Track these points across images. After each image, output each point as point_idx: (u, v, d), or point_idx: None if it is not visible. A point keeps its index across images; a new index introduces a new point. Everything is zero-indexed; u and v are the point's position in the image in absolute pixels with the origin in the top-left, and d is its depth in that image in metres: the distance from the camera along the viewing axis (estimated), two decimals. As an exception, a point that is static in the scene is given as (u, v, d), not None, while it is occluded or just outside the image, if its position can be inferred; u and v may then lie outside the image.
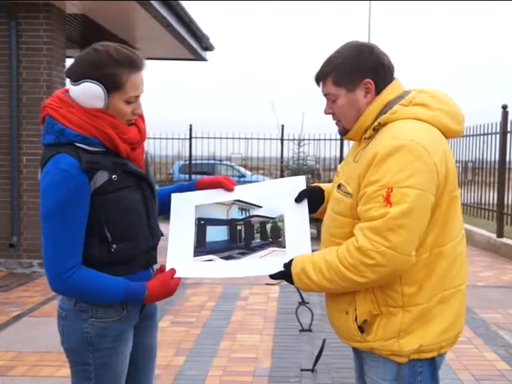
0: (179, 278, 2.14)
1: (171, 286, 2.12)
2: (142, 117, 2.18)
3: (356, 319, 2.03)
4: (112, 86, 2.00)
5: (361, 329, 2.03)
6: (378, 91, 2.05)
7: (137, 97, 2.07)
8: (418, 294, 1.99)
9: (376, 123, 2.02)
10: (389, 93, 2.05)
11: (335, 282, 1.97)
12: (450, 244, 2.03)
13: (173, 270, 2.14)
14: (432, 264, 1.99)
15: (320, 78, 2.11)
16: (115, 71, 2.00)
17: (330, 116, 2.15)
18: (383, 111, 2.03)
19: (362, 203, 1.94)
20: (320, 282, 2.00)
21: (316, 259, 2.02)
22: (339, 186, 2.08)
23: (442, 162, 1.96)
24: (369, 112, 2.05)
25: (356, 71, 2.04)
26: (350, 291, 2.03)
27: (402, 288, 1.98)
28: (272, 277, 2.13)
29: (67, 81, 2.09)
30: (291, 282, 2.09)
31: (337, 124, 2.15)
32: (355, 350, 2.23)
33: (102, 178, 2.02)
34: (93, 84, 1.99)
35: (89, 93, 2.00)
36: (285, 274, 2.09)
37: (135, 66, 2.04)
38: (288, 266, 2.09)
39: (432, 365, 2.07)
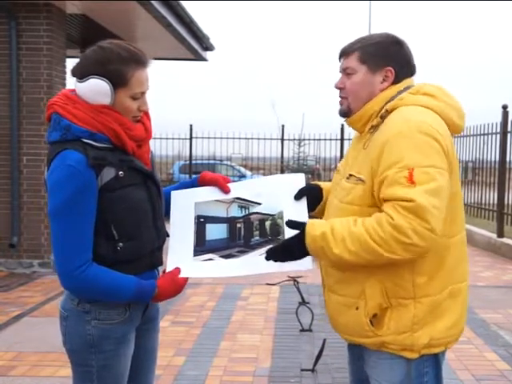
0: (187, 278, 2.14)
1: (179, 284, 2.11)
2: (147, 115, 2.19)
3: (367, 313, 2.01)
4: (118, 82, 2.02)
5: (371, 323, 2.01)
6: (394, 83, 2.09)
7: (142, 93, 2.08)
8: (429, 284, 1.98)
9: (383, 110, 2.03)
10: (400, 86, 2.09)
11: (358, 255, 1.90)
12: (458, 236, 2.05)
13: (178, 269, 2.14)
14: (442, 254, 1.99)
15: (347, 51, 2.12)
16: (120, 67, 2.01)
17: (338, 91, 2.14)
18: (390, 99, 2.06)
19: (386, 186, 1.91)
20: (341, 253, 1.92)
21: (337, 229, 1.94)
22: (349, 177, 2.05)
23: (450, 147, 1.99)
24: (378, 99, 2.07)
25: (383, 56, 2.07)
26: (360, 285, 2.00)
27: (413, 278, 1.97)
28: (271, 251, 2.06)
29: (69, 80, 2.10)
30: (296, 248, 2.01)
31: (341, 102, 2.14)
32: (353, 351, 2.22)
33: (108, 174, 2.02)
34: (99, 80, 2.00)
35: (95, 89, 2.01)
36: (295, 238, 2.01)
37: (140, 62, 2.05)
38: (302, 227, 2.01)
39: (437, 363, 2.08)
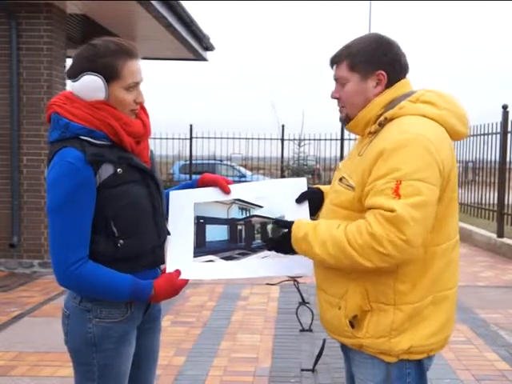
0: (186, 279, 2.13)
1: (177, 285, 2.12)
2: (145, 111, 2.20)
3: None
4: (110, 75, 2.04)
5: (351, 324, 2.03)
6: (388, 86, 2.07)
7: (136, 83, 2.09)
8: (411, 292, 1.98)
9: (382, 118, 2.02)
10: (396, 89, 2.07)
11: (338, 259, 1.95)
12: (445, 244, 2.03)
13: (178, 271, 2.14)
14: (427, 262, 1.98)
15: (335, 60, 2.11)
16: (110, 60, 2.04)
17: (336, 101, 2.14)
18: (389, 106, 2.04)
19: (371, 195, 1.92)
20: (321, 255, 1.98)
21: (320, 231, 1.99)
22: (341, 179, 2.07)
23: (448, 160, 1.97)
24: (374, 104, 2.05)
25: (373, 61, 2.05)
26: (344, 285, 2.02)
27: (394, 284, 1.98)
28: (270, 240, 2.14)
29: (68, 81, 2.12)
30: (286, 246, 2.07)
31: (340, 110, 2.15)
32: (344, 350, 2.23)
33: (107, 171, 2.03)
34: (91, 76, 2.03)
35: (89, 85, 2.04)
36: (284, 237, 2.08)
37: (129, 53, 2.08)
38: (289, 227, 2.07)
39: (419, 367, 2.07)
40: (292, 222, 2.07)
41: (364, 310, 2.01)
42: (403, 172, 1.88)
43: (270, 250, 2.15)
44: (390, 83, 2.06)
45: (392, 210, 1.85)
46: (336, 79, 2.12)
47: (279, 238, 2.11)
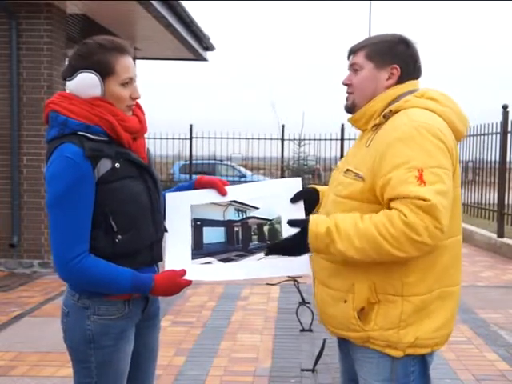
0: (190, 281, 2.12)
1: (180, 283, 2.11)
2: (140, 108, 2.22)
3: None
4: (104, 72, 2.07)
5: (358, 317, 2.03)
6: (399, 82, 2.11)
7: (130, 79, 2.12)
8: (418, 284, 2.00)
9: (387, 110, 2.05)
10: (406, 86, 2.12)
11: (365, 252, 1.91)
12: (450, 239, 2.04)
13: (184, 270, 2.13)
14: (434, 254, 1.99)
15: (354, 49, 2.16)
16: (103, 57, 2.07)
17: (343, 89, 2.18)
18: (395, 101, 2.08)
19: (394, 186, 1.91)
20: (346, 250, 1.93)
21: (343, 225, 1.94)
22: (346, 171, 2.07)
23: (454, 151, 2.02)
24: (382, 97, 2.09)
25: (390, 54, 2.11)
26: (350, 279, 2.02)
27: (402, 276, 1.99)
28: (272, 246, 2.09)
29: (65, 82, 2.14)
30: (297, 246, 2.03)
31: (347, 98, 2.18)
32: (342, 348, 2.23)
33: (105, 166, 2.04)
34: (86, 73, 2.06)
35: (85, 82, 2.07)
36: (295, 237, 2.02)
37: (121, 49, 2.10)
38: (305, 223, 2.00)
39: (423, 364, 2.08)
40: (306, 220, 2.01)
41: (371, 303, 2.02)
42: (421, 160, 1.90)
43: (268, 254, 2.10)
44: (402, 80, 2.11)
45: (425, 199, 1.86)
46: (350, 66, 2.16)
47: (289, 239, 2.05)
